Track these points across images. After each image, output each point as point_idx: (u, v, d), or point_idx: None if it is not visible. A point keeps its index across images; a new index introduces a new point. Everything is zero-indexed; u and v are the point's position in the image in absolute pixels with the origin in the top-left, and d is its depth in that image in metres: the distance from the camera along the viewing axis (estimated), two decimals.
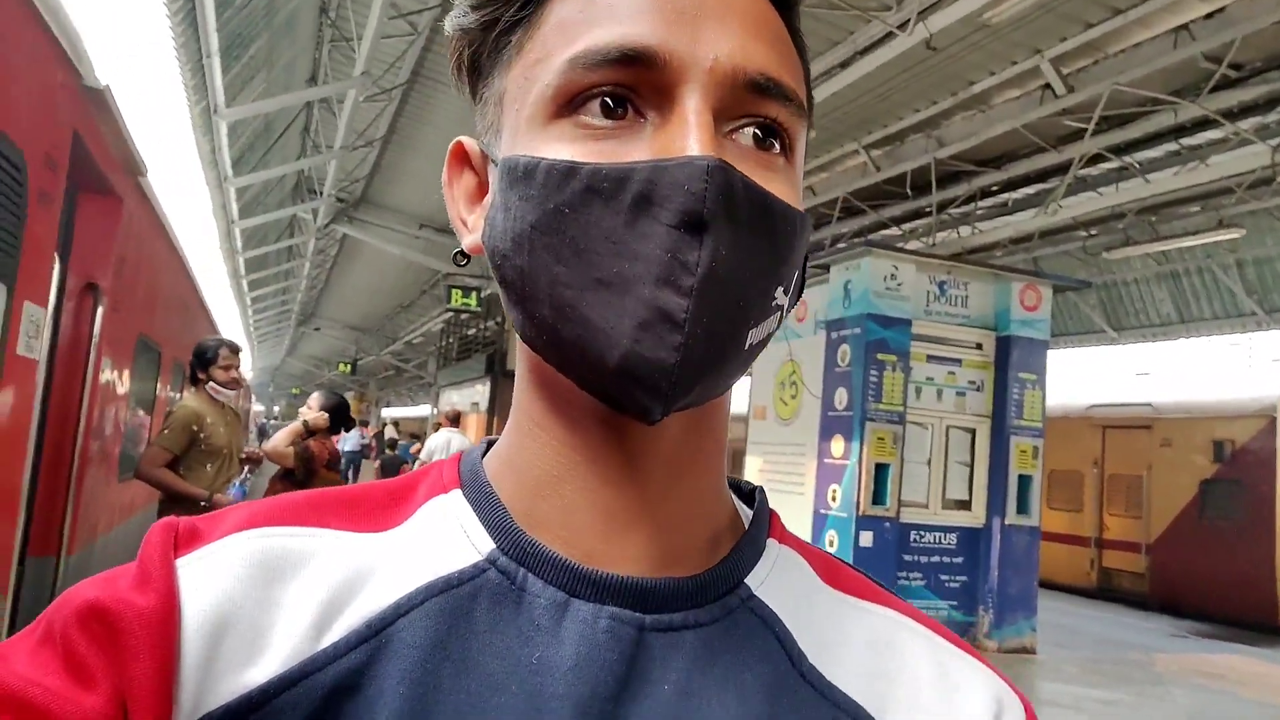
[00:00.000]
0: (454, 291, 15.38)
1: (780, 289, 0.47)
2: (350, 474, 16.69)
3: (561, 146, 0.45)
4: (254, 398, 18.73)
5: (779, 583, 0.53)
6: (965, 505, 8.31)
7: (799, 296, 0.51)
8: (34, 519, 3.82)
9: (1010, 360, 8.34)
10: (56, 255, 3.39)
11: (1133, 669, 7.88)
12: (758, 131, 0.47)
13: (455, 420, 12.74)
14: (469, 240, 0.53)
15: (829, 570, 0.57)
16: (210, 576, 0.46)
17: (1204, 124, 8.48)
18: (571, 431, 0.49)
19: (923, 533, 8.04)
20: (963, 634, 8.04)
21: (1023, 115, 8.44)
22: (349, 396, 26.24)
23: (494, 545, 0.49)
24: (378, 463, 15.83)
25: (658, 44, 0.44)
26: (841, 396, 8.13)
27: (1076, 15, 7.06)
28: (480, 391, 18.23)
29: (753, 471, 9.88)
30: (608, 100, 0.45)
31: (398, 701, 0.44)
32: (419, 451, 14.63)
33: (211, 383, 4.41)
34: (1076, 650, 8.16)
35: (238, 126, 10.24)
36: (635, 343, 0.42)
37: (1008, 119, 8.55)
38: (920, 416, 8.20)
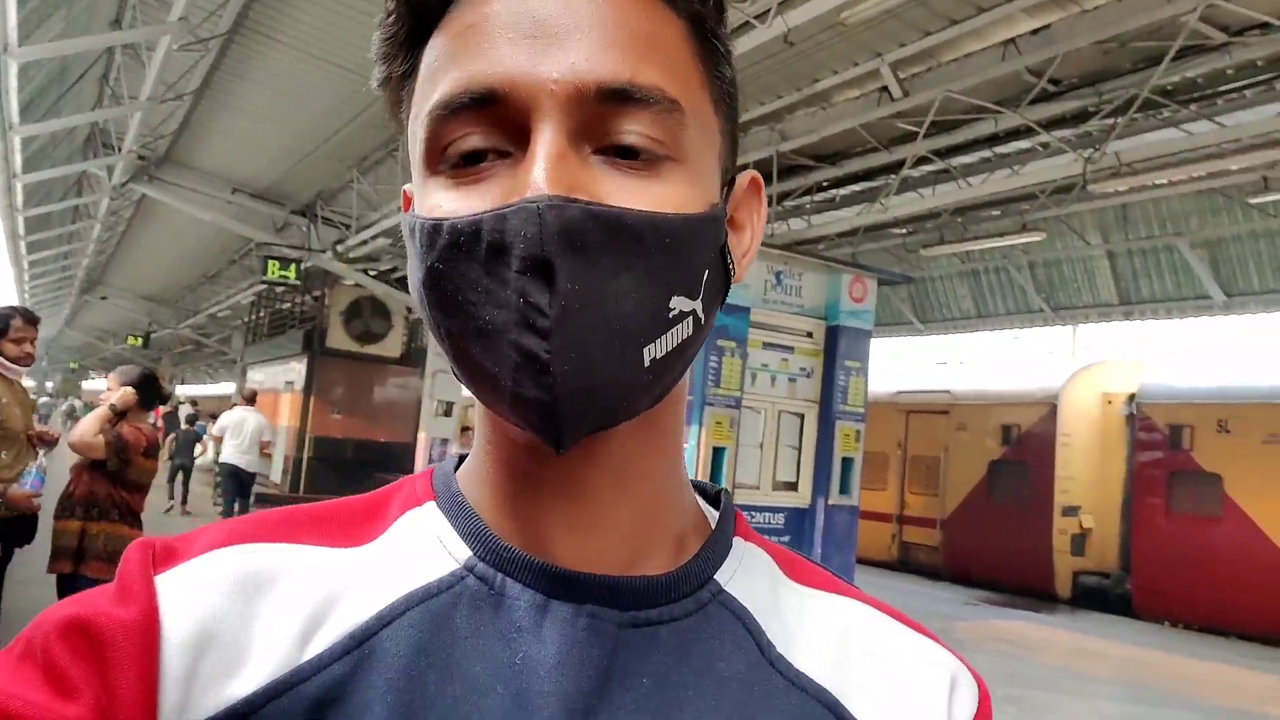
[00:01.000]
0: (270, 263, 13.90)
1: (678, 297, 0.46)
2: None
3: (439, 198, 0.46)
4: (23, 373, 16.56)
5: (746, 578, 0.55)
6: (793, 486, 8.67)
7: (724, 294, 0.52)
8: None
9: (838, 349, 8.75)
10: None
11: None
12: (621, 148, 0.46)
13: (252, 399, 12.25)
14: None
15: (791, 566, 0.59)
16: (190, 591, 0.46)
17: (1016, 133, 9.19)
18: (513, 453, 0.51)
19: (753, 513, 8.32)
20: None
21: (861, 115, 8.82)
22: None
23: (470, 553, 0.50)
24: (172, 438, 14.65)
25: (498, 81, 0.44)
26: None
27: (917, 23, 7.41)
28: (296, 369, 17.08)
29: None
30: (467, 147, 0.46)
31: (384, 710, 0.45)
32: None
33: (1, 358, 3.84)
34: None
35: (29, 68, 9.00)
36: (515, 384, 0.44)
37: (847, 117, 8.91)
38: (755, 401, 8.47)
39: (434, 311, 0.46)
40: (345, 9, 7.92)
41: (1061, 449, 12.12)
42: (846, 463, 8.84)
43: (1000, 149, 9.75)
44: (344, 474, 14.96)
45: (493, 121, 0.45)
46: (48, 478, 4.02)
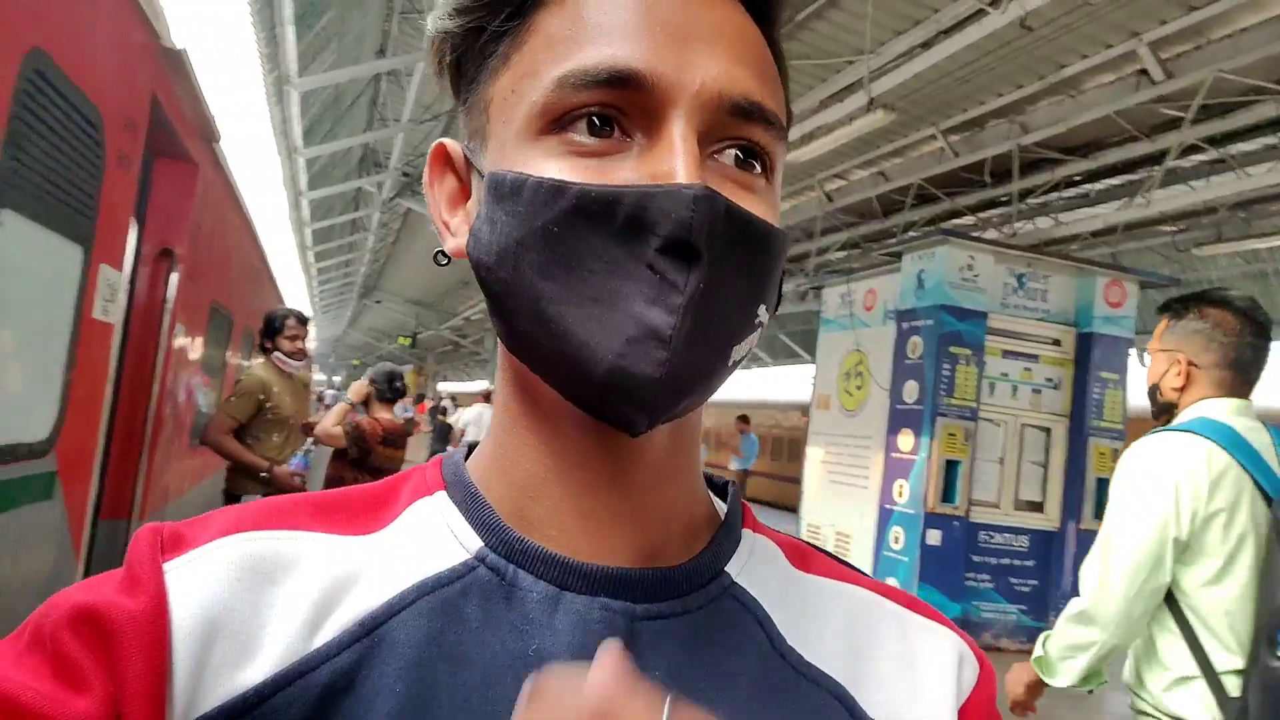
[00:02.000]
0: None
1: (762, 306, 0.49)
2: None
3: (549, 163, 0.46)
4: (316, 367, 18.97)
5: (756, 570, 0.56)
6: (1038, 507, 8.03)
7: (776, 311, 0.53)
8: (107, 482, 3.84)
9: (1091, 358, 8.02)
10: (133, 219, 3.37)
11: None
12: (739, 153, 0.48)
13: (488, 397, 13.21)
14: (451, 244, 0.54)
15: (800, 556, 0.59)
16: (199, 580, 0.46)
17: None
18: (554, 438, 0.51)
19: (992, 533, 7.79)
20: (1032, 639, 7.78)
21: (1116, 101, 8.03)
22: (407, 370, 26.52)
23: (482, 543, 0.50)
24: (430, 430, 16.06)
25: (645, 67, 0.45)
26: (911, 389, 7.89)
27: None
28: None
29: (814, 463, 9.68)
30: (594, 120, 0.46)
31: (394, 699, 0.44)
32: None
33: (277, 353, 4.40)
34: None
35: (309, 97, 10.28)
36: (621, 357, 0.44)
37: (1099, 105, 8.16)
38: (993, 413, 7.94)
39: (526, 272, 0.46)
40: None
41: None
42: (1102, 484, 8.04)
43: None
44: None
45: (624, 101, 0.46)
46: (312, 465, 4.51)
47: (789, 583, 0.57)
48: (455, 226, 0.54)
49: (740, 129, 0.47)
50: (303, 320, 4.50)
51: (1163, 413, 2.07)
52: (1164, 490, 1.84)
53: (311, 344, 4.84)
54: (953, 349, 7.63)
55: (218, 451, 4.19)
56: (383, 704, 0.44)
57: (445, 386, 41.79)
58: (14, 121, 1.96)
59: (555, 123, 0.46)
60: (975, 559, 7.66)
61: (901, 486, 7.79)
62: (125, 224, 3.08)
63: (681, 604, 0.51)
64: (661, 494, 0.52)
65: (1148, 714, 1.98)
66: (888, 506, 7.93)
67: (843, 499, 8.79)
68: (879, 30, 7.46)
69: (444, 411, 17.99)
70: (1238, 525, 1.81)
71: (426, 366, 41.27)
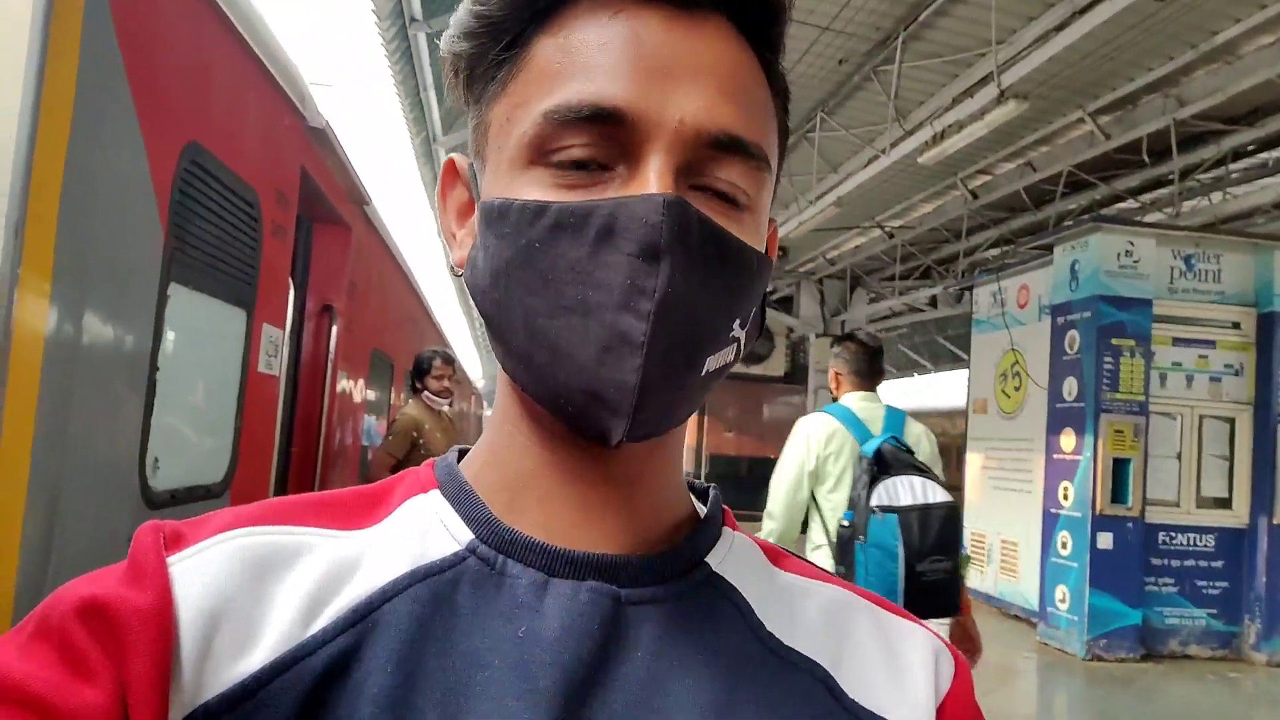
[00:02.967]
0: None
1: (737, 322, 0.50)
2: None
3: (535, 191, 0.48)
4: (484, 404, 19.92)
5: (735, 562, 0.58)
6: (1225, 503, 7.44)
7: (759, 333, 0.56)
8: None
9: (1274, 340, 7.38)
10: (291, 281, 3.77)
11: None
12: (717, 194, 0.50)
13: None
14: (456, 254, 0.58)
15: (777, 557, 0.62)
16: (202, 573, 0.47)
17: None
18: (545, 441, 0.54)
19: (1174, 534, 7.27)
20: (1224, 645, 7.19)
21: (1279, 64, 7.41)
22: None
23: (473, 535, 0.53)
24: None
25: (626, 105, 0.47)
26: (1071, 386, 7.51)
27: None
28: None
29: (974, 469, 9.32)
30: (578, 155, 0.48)
31: (386, 682, 0.46)
32: None
33: (426, 392, 4.74)
34: None
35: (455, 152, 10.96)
36: (599, 365, 0.46)
37: (1262, 68, 7.54)
38: (1167, 406, 7.43)
39: (515, 289, 0.49)
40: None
41: None
42: None
43: None
44: (740, 489, 15.66)
45: (606, 137, 0.48)
46: None
47: (768, 576, 0.59)
48: (461, 238, 0.57)
49: (719, 163, 0.49)
50: (448, 360, 4.83)
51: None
52: (801, 442, 3.13)
53: (478, 381, 5.14)
54: (1114, 340, 7.22)
55: None
56: (374, 684, 0.46)
57: None
58: (175, 206, 2.29)
59: (542, 154, 0.49)
60: (1155, 562, 7.17)
61: (1066, 489, 7.40)
62: (284, 286, 3.46)
63: (664, 589, 0.53)
64: (646, 488, 0.55)
65: None
66: (1053, 511, 7.56)
67: (1006, 504, 8.43)
68: (1008, 18, 7.21)
69: None
70: (842, 460, 3.05)
71: None
